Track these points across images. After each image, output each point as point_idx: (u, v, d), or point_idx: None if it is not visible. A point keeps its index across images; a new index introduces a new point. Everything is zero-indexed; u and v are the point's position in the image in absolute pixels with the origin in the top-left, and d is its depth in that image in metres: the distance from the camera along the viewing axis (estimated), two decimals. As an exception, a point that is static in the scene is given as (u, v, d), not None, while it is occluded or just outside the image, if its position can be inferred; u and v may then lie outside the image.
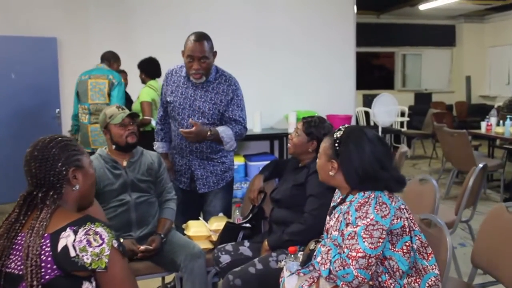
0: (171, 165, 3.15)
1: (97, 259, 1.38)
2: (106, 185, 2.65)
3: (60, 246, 1.37)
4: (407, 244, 1.80)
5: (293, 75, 6.29)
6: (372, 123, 8.24)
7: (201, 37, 2.87)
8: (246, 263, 2.47)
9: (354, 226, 1.77)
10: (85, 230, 1.40)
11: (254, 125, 5.77)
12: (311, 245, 2.02)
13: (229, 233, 2.75)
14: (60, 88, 5.93)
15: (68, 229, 1.40)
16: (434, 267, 1.86)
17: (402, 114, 9.81)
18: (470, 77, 12.11)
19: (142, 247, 2.58)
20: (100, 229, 1.42)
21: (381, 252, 1.77)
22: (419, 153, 9.14)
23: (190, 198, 3.15)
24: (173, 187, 2.96)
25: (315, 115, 2.71)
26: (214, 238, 2.83)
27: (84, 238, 1.38)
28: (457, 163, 5.81)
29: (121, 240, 2.50)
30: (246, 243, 2.71)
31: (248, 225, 2.81)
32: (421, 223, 2.15)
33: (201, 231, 2.88)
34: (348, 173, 1.90)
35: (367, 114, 9.22)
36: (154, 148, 3.19)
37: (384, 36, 11.50)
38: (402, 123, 9.62)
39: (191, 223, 2.98)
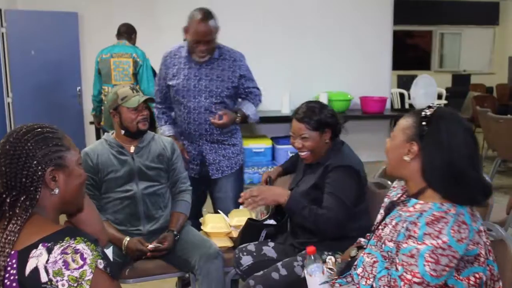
0: (183, 148, 2.88)
1: (75, 285, 1.08)
2: (109, 171, 2.37)
3: (28, 268, 1.08)
4: (477, 276, 1.42)
5: (324, 54, 5.96)
6: (407, 106, 7.80)
7: (207, 17, 2.69)
8: (269, 267, 2.17)
9: (419, 243, 1.38)
10: (62, 248, 1.10)
11: (283, 107, 5.53)
12: (352, 252, 1.67)
13: (250, 231, 2.43)
14: (82, 65, 5.74)
15: (40, 246, 1.10)
16: None
17: (439, 97, 9.31)
18: (513, 58, 11.49)
19: (151, 245, 2.29)
20: (81, 246, 1.11)
21: (444, 281, 1.40)
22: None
23: (199, 185, 2.89)
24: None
25: (303, 104, 2.31)
26: (235, 234, 2.53)
27: (60, 258, 1.08)
28: (503, 151, 5.37)
29: (126, 241, 2.30)
30: (271, 243, 2.39)
31: (272, 221, 2.48)
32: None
33: (220, 227, 2.57)
34: (431, 162, 1.47)
35: (401, 96, 8.77)
36: (160, 133, 2.93)
37: (421, 14, 10.92)
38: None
39: (209, 217, 2.68)
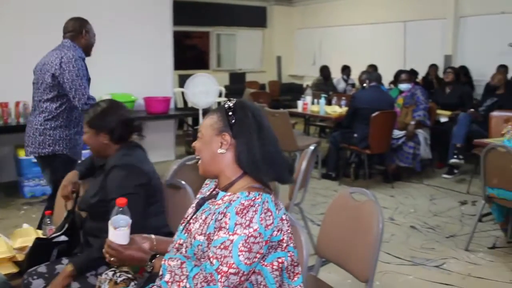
0: None
1: None
2: None
3: None
4: (279, 260, 1.49)
5: (106, 56, 5.67)
6: (190, 105, 8.01)
7: None
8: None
9: (231, 234, 1.39)
10: None
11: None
12: (148, 267, 1.59)
13: (39, 252, 2.19)
14: None
15: None
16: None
17: (220, 95, 9.79)
18: (280, 57, 12.69)
19: None
20: None
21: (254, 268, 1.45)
22: (238, 133, 9.18)
23: None
24: None
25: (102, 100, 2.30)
26: (20, 258, 2.24)
27: None
28: (281, 143, 5.86)
29: None
30: (65, 260, 2.18)
31: (63, 238, 2.27)
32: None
33: (0, 252, 2.26)
34: (246, 146, 1.51)
35: (184, 96, 8.97)
36: None
37: (199, 16, 11.30)
38: (219, 104, 9.57)
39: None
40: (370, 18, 10.37)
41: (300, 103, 6.69)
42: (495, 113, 5.32)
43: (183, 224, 1.65)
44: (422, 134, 5.79)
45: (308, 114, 6.75)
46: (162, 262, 1.52)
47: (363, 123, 5.36)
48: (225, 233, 1.40)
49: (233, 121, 1.54)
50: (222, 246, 1.39)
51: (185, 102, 9.01)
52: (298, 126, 7.82)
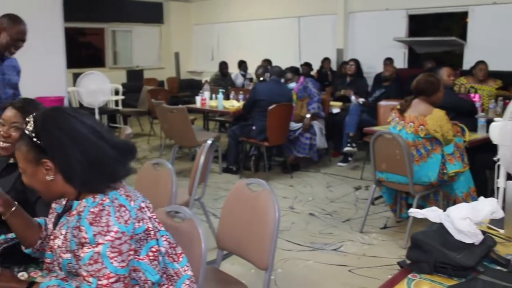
0: None
1: None
2: None
3: None
4: (153, 249, 1.46)
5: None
6: (86, 104, 7.71)
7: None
8: None
9: (94, 246, 1.31)
10: None
11: None
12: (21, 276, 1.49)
13: None
14: None
15: None
16: (186, 268, 1.58)
17: (117, 93, 9.52)
18: (178, 53, 12.57)
19: None
20: None
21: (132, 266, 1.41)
22: (137, 131, 8.99)
23: None
24: None
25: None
26: None
27: None
28: (179, 139, 5.83)
29: None
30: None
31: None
32: (167, 216, 1.89)
33: None
34: (67, 164, 1.39)
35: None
36: None
37: (93, 11, 10.84)
38: (117, 102, 9.32)
39: None
40: (266, 14, 10.58)
41: (198, 99, 6.68)
42: (382, 103, 5.69)
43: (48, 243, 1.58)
44: (317, 125, 6.02)
45: (207, 110, 6.76)
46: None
47: (261, 115, 5.47)
48: (88, 247, 1.32)
49: (42, 145, 1.39)
50: (91, 262, 1.32)
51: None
52: (197, 122, 7.80)
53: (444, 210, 1.74)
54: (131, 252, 1.37)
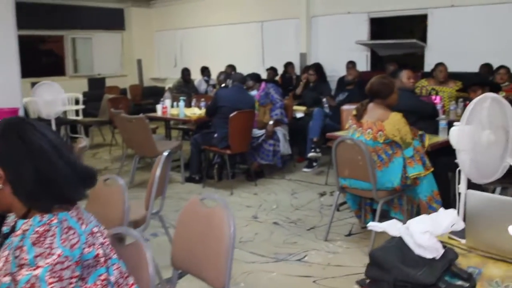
0: None
1: None
2: None
3: None
4: (102, 278, 1.35)
5: None
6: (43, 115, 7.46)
7: None
8: None
9: (33, 268, 1.21)
10: None
11: None
12: None
13: None
14: None
15: None
16: None
17: (77, 102, 9.25)
18: (141, 60, 12.36)
19: None
20: None
21: None
22: (98, 141, 8.75)
23: None
24: None
25: None
26: None
27: None
28: (139, 149, 5.66)
29: None
30: None
31: None
32: (113, 239, 1.75)
33: None
34: (19, 176, 1.31)
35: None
36: None
37: (50, 19, 10.55)
38: (77, 112, 9.06)
39: None
40: (228, 19, 10.48)
41: (159, 107, 6.52)
42: (345, 107, 5.64)
43: None
44: (280, 131, 5.94)
45: (168, 118, 6.60)
46: None
47: (223, 121, 5.35)
48: (27, 270, 1.22)
49: None
50: (28, 286, 1.21)
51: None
52: (159, 131, 7.63)
53: (409, 215, 1.67)
54: (74, 280, 1.26)
